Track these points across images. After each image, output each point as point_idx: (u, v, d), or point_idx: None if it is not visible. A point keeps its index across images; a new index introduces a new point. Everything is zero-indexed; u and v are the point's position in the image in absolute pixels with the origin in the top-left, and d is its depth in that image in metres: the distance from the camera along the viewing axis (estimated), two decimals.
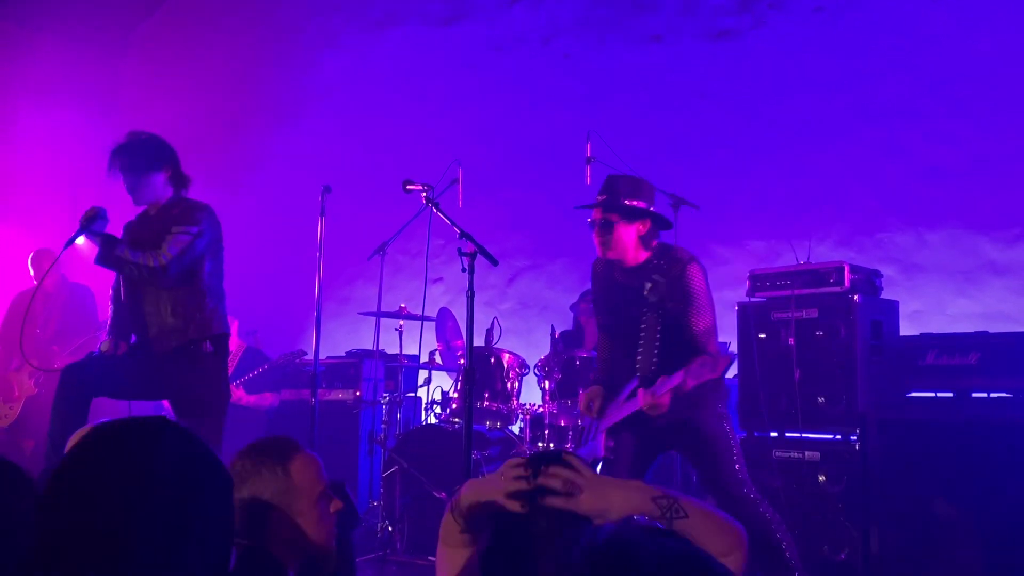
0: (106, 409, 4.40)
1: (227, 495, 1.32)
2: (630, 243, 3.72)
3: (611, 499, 1.64)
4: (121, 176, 4.03)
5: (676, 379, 3.37)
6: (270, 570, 2.08)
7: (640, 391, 3.49)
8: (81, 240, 3.88)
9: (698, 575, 1.01)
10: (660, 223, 3.78)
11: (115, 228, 4.06)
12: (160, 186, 4.08)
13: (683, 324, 3.61)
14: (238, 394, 6.25)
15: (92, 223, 3.86)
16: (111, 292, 4.31)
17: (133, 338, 4.17)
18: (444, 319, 6.17)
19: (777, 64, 6.64)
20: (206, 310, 4.05)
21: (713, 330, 3.68)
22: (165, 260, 3.87)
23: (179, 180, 4.14)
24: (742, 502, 3.58)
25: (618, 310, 3.82)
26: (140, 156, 4.03)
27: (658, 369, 3.52)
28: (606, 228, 3.71)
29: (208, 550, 1.23)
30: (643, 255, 3.76)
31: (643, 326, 3.59)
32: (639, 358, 3.60)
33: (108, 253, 3.85)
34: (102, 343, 4.19)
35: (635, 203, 3.70)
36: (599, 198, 3.77)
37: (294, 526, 2.15)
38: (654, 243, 3.78)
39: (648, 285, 3.54)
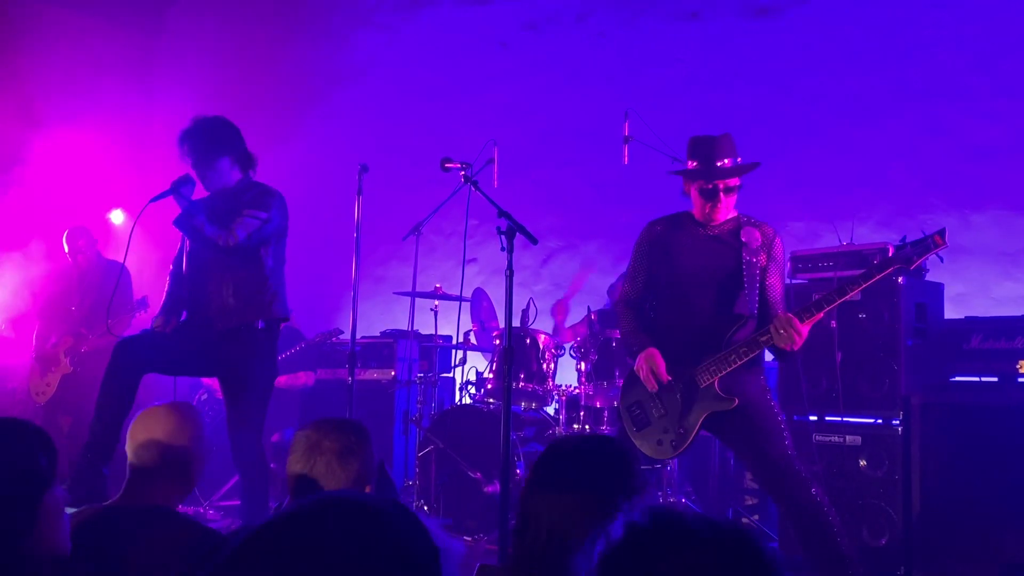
0: (152, 386, 4.44)
1: None
2: (733, 202, 3.72)
3: None
4: (190, 162, 4.10)
5: (819, 316, 3.40)
6: None
7: (784, 317, 3.40)
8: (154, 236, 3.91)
9: (745, 547, 0.99)
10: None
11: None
12: (225, 170, 4.15)
13: (769, 284, 3.64)
14: None
15: (182, 186, 3.96)
16: (171, 267, 4.36)
17: (184, 315, 4.20)
18: (479, 299, 6.15)
19: (818, 41, 6.51)
20: (267, 293, 4.12)
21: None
22: (233, 241, 3.96)
23: (244, 161, 4.20)
24: (792, 479, 3.44)
25: (706, 264, 3.68)
26: (201, 142, 4.08)
27: (758, 313, 3.57)
28: (731, 192, 3.68)
29: None
30: (733, 212, 3.75)
31: (745, 274, 3.57)
32: (738, 303, 3.57)
33: (188, 219, 3.95)
34: (154, 319, 4.23)
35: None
36: (723, 161, 3.65)
37: None
38: None
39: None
